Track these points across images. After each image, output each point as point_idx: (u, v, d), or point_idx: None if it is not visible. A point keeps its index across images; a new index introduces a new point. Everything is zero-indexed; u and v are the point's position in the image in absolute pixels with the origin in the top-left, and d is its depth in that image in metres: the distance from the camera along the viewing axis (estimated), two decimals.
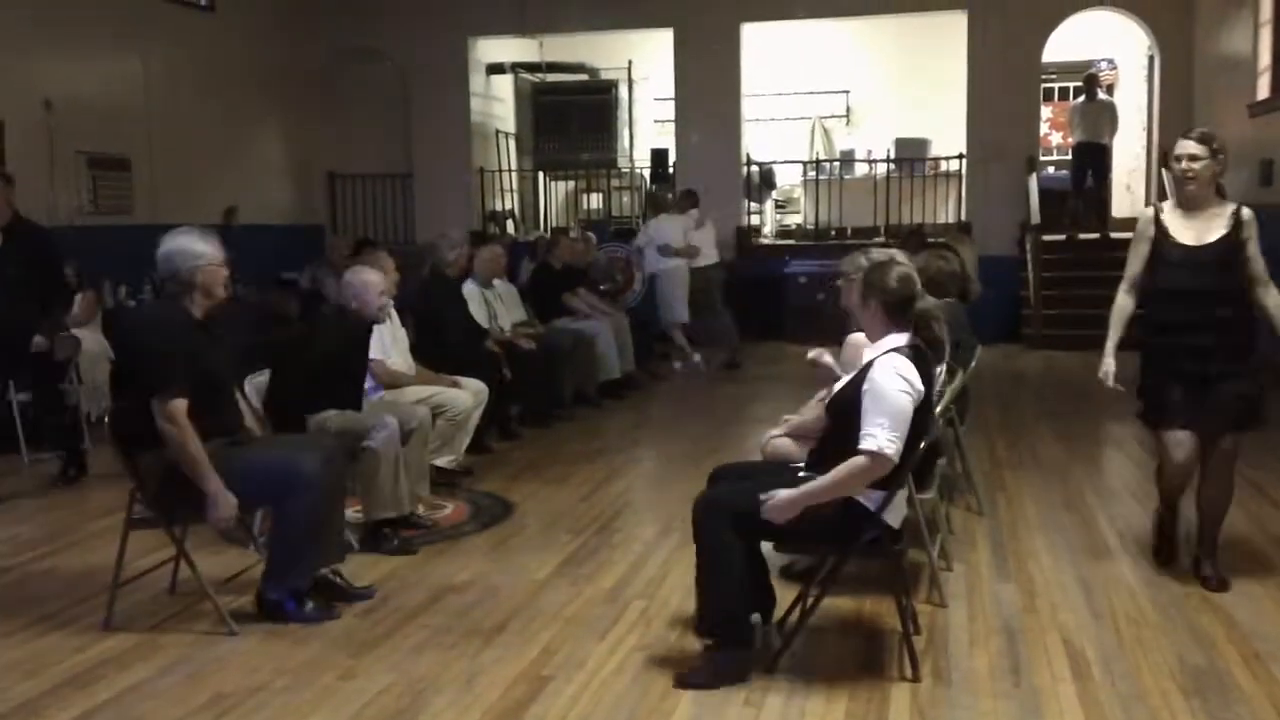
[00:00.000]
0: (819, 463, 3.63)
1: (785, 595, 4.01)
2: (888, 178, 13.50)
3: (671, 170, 14.04)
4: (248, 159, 12.79)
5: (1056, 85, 15.72)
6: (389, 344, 5.82)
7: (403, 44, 13.70)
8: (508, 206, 14.87)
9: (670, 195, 12.07)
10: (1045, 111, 15.04)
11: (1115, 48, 15.03)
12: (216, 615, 4.10)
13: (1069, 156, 13.86)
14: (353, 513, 4.96)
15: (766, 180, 14.52)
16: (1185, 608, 4.20)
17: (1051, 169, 15.08)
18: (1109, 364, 4.48)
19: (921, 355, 3.61)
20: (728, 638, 3.60)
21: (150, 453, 4.04)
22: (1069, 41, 13.44)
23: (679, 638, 3.96)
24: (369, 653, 3.89)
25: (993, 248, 12.06)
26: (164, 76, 11.04)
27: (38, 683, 3.69)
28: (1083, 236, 12.74)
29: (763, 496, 3.52)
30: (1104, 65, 15.09)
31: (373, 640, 4.00)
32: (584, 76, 15.23)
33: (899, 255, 3.80)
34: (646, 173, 14.71)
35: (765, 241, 14.22)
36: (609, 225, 13.84)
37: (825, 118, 15.85)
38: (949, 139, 13.32)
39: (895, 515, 3.65)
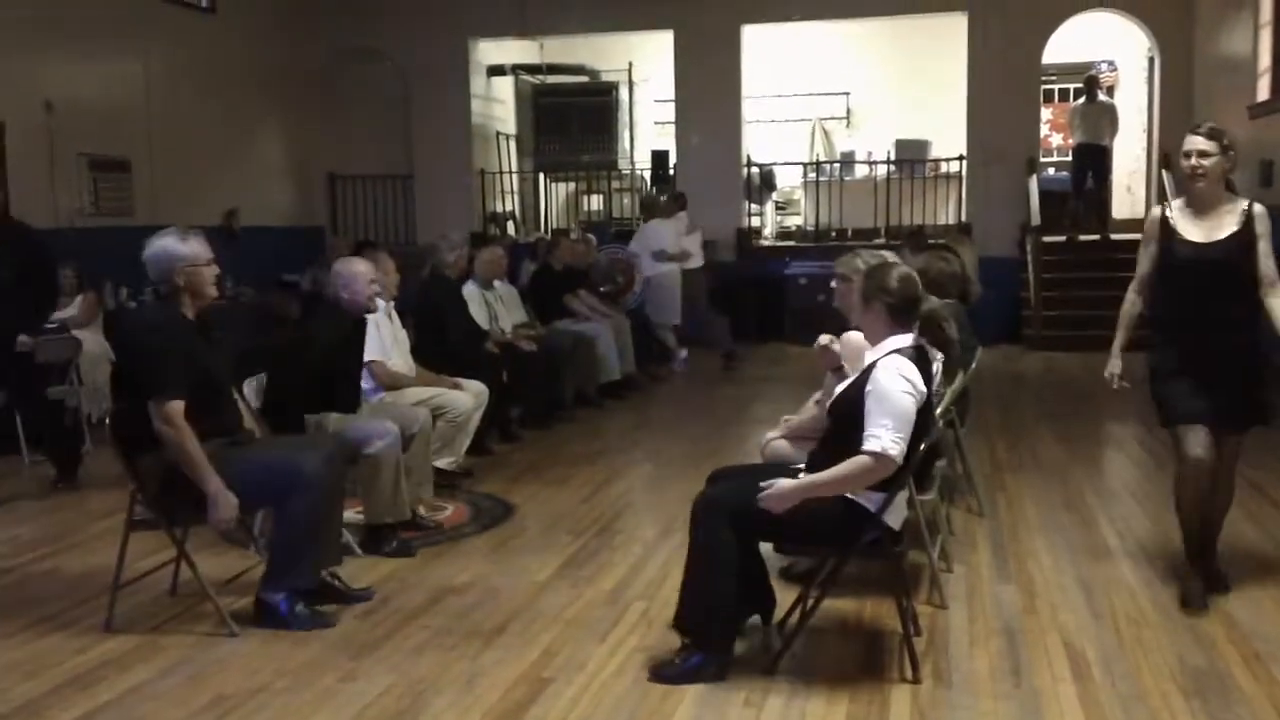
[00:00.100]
0: (819, 464, 3.62)
1: (785, 597, 4.02)
2: (888, 179, 13.51)
3: (672, 172, 14.04)
4: (248, 160, 12.80)
5: (1056, 87, 15.71)
6: (389, 345, 5.80)
7: (403, 45, 13.69)
8: (508, 208, 14.87)
9: (662, 199, 12.06)
10: (1045, 113, 15.05)
11: (1115, 49, 15.03)
12: (217, 616, 4.10)
13: (1069, 158, 13.88)
14: (353, 514, 4.95)
15: (767, 182, 14.51)
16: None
17: (1052, 170, 15.10)
18: (1115, 364, 4.47)
19: (924, 356, 3.61)
20: (704, 636, 3.59)
21: (150, 454, 4.04)
22: (1069, 43, 13.45)
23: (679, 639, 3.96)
24: (369, 654, 3.89)
25: (993, 249, 12.05)
26: (164, 78, 11.04)
27: (39, 684, 3.70)
28: (1083, 238, 12.75)
29: (763, 484, 3.52)
30: (1104, 67, 15.09)
31: (373, 642, 4.00)
32: (584, 78, 15.24)
33: (890, 256, 3.80)
34: (647, 174, 14.71)
35: (766, 243, 14.21)
36: (609, 227, 13.84)
37: (825, 119, 15.84)
38: (949, 140, 13.33)
39: (896, 516, 3.65)
